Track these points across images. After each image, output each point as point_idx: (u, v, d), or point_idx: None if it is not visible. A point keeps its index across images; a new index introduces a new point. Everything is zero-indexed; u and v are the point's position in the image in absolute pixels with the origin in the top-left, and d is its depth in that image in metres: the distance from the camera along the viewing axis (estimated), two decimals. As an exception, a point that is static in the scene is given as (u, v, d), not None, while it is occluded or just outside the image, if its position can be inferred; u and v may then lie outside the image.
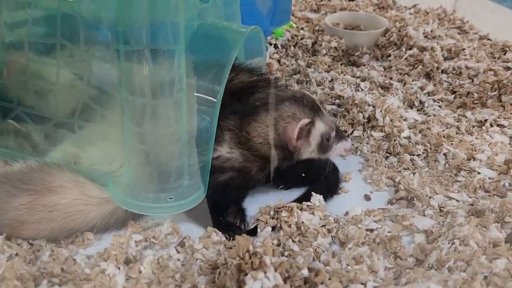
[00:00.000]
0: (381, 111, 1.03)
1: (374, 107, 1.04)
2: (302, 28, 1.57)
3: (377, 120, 1.02)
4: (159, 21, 0.69)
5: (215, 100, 0.75)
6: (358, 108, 1.05)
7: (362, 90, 1.21)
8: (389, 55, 1.43)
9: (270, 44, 1.45)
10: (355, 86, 1.21)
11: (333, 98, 1.13)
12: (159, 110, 0.72)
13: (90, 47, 0.76)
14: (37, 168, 0.74)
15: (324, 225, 0.80)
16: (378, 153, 0.99)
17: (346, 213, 0.84)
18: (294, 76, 1.28)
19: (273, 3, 1.33)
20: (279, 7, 1.33)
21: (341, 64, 1.40)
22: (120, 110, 0.75)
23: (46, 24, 0.79)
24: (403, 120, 1.07)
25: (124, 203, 0.74)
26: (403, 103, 1.16)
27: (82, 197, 0.73)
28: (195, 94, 0.77)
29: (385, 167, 0.95)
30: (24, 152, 0.80)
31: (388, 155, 0.98)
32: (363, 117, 1.04)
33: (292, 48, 1.46)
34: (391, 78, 1.30)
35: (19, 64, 0.81)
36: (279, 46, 1.46)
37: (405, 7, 1.90)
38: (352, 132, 1.04)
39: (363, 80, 1.27)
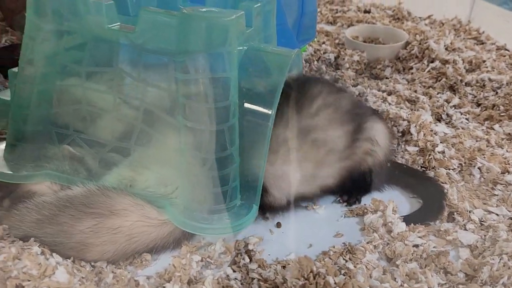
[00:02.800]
0: (415, 126, 1.06)
1: (408, 122, 1.07)
2: (323, 42, 1.61)
3: (412, 134, 1.05)
4: (216, 51, 0.72)
5: (268, 123, 0.78)
6: (393, 122, 1.08)
7: (389, 104, 1.24)
8: (411, 68, 1.47)
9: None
10: (382, 100, 1.25)
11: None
12: (215, 135, 0.75)
13: (145, 73, 0.78)
14: (98, 192, 0.76)
15: (370, 242, 0.83)
16: (413, 167, 1.02)
17: (389, 228, 0.86)
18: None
19: (298, 19, 1.37)
20: (304, 23, 1.37)
21: (364, 78, 1.44)
22: (173, 134, 0.79)
23: (97, 51, 0.82)
24: (434, 133, 1.10)
25: (182, 224, 0.77)
26: (432, 117, 1.19)
27: (143, 219, 0.75)
28: (248, 117, 0.80)
29: (422, 181, 0.98)
30: (79, 176, 0.83)
31: (424, 169, 1.01)
32: (398, 131, 1.07)
33: (315, 62, 1.49)
34: (415, 91, 1.33)
35: (69, 91, 0.83)
36: (303, 60, 1.49)
37: (420, 17, 1.94)
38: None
39: (389, 94, 1.30)
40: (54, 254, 0.72)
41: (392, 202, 0.89)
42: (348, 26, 1.90)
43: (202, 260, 0.78)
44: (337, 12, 2.02)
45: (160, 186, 0.81)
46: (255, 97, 0.81)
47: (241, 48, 0.83)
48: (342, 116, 0.90)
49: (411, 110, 1.20)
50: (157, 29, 0.74)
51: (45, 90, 0.83)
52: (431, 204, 0.91)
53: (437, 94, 1.30)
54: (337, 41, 1.66)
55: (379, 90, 1.31)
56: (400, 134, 1.07)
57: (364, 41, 1.65)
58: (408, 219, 0.87)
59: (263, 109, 0.79)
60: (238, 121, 0.78)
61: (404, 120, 1.08)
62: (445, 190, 0.92)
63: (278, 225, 0.87)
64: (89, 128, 0.83)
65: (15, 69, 0.93)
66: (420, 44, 1.50)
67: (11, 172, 0.83)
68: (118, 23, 0.77)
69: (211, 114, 0.74)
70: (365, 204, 0.93)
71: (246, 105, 0.80)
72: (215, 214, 0.79)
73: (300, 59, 0.99)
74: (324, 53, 1.52)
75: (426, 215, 0.88)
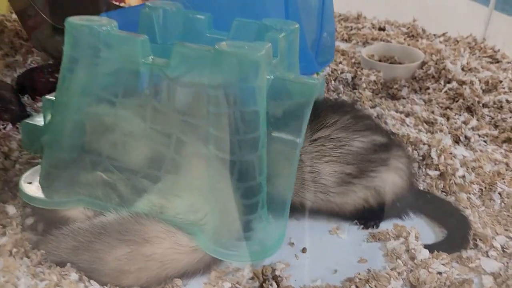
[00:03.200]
0: (436, 150, 1.08)
1: (429, 146, 1.09)
2: (340, 62, 1.63)
3: (432, 158, 1.07)
4: (247, 85, 0.75)
5: (296, 151, 0.80)
6: (413, 146, 1.10)
7: (407, 125, 1.26)
8: (428, 88, 1.48)
9: (312, 79, 1.50)
10: (400, 123, 1.27)
11: (387, 135, 1.18)
12: (245, 166, 0.78)
13: (177, 105, 0.81)
14: (131, 220, 0.79)
15: (394, 268, 0.84)
16: (434, 192, 1.03)
17: (412, 255, 0.88)
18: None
19: (317, 40, 1.39)
20: (323, 44, 1.39)
21: (381, 98, 1.46)
22: (203, 163, 0.81)
23: (130, 82, 0.85)
24: (453, 156, 1.12)
25: (212, 251, 0.79)
26: (450, 139, 1.21)
27: (175, 247, 0.78)
28: (275, 145, 0.83)
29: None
30: (112, 202, 0.86)
31: (445, 193, 1.03)
32: (418, 155, 1.09)
33: (333, 82, 1.52)
34: (432, 112, 1.35)
35: (102, 120, 0.86)
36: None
37: (434, 35, 1.96)
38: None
39: (407, 115, 1.32)
40: (91, 281, 0.75)
41: (414, 229, 0.91)
42: (363, 44, 1.92)
43: (231, 287, 0.81)
44: (351, 29, 2.05)
45: (190, 213, 0.83)
46: (282, 126, 0.83)
47: (268, 77, 0.86)
48: (344, 155, 0.91)
49: (430, 132, 1.22)
50: (191, 63, 0.77)
51: (79, 119, 0.86)
52: (455, 236, 0.92)
53: (455, 115, 1.32)
54: (353, 60, 1.69)
55: (397, 112, 1.33)
56: (421, 158, 1.09)
57: (380, 60, 1.67)
58: (430, 249, 0.88)
59: (291, 138, 0.82)
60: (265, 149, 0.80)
61: (424, 144, 1.10)
62: (469, 221, 0.93)
63: (304, 250, 0.89)
64: (121, 156, 0.86)
65: (49, 97, 0.97)
66: (436, 64, 1.52)
67: (46, 198, 0.86)
68: (152, 56, 0.80)
69: (241, 145, 0.77)
70: (387, 229, 0.94)
71: (274, 133, 0.83)
72: (243, 241, 0.81)
73: (323, 86, 1.02)
74: (341, 73, 1.54)
75: (449, 247, 0.89)
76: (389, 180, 0.93)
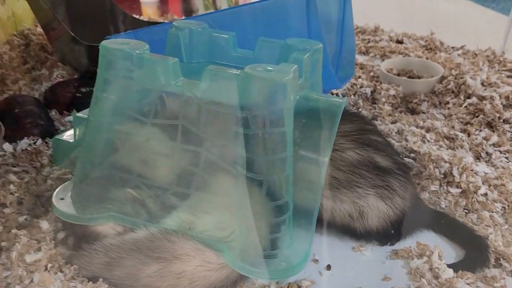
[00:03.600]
0: (458, 168, 1.09)
1: (450, 164, 1.10)
2: (359, 77, 1.65)
3: (454, 176, 1.08)
4: (275, 108, 0.77)
5: (323, 170, 0.82)
6: (435, 164, 1.11)
7: (428, 141, 1.27)
8: (447, 103, 1.49)
9: (332, 94, 1.52)
10: (421, 138, 1.28)
11: (407, 151, 1.19)
12: (272, 185, 0.80)
13: (206, 126, 0.84)
14: (161, 237, 0.82)
15: (419, 287, 0.85)
16: (456, 210, 1.04)
17: (436, 274, 0.89)
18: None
19: (336, 56, 1.41)
20: (343, 60, 1.41)
21: (400, 112, 1.47)
22: (231, 181, 0.83)
23: (161, 103, 0.88)
24: (475, 173, 1.12)
25: (239, 268, 0.81)
26: (471, 155, 1.21)
27: (204, 264, 0.80)
28: (302, 164, 0.84)
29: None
30: (141, 218, 0.88)
31: (467, 211, 1.04)
32: (439, 173, 1.10)
33: (352, 96, 1.53)
34: (453, 127, 1.35)
35: (132, 139, 0.89)
36: (340, 95, 1.53)
37: (452, 47, 1.96)
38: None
39: (428, 130, 1.33)
40: (124, 297, 0.78)
41: (438, 248, 0.92)
42: (381, 56, 1.93)
43: (258, 303, 0.83)
44: (369, 42, 2.06)
45: (217, 230, 0.85)
46: (308, 145, 0.85)
47: (294, 97, 0.88)
48: (334, 159, 0.93)
49: (451, 148, 1.23)
50: (220, 86, 0.79)
51: (111, 137, 0.89)
52: (474, 255, 0.92)
53: (475, 131, 1.32)
54: (371, 73, 1.70)
55: (417, 127, 1.34)
56: (442, 176, 1.10)
57: (399, 74, 1.68)
58: (453, 268, 0.88)
59: (317, 156, 0.84)
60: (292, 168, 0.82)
61: (446, 162, 1.11)
62: (488, 242, 0.94)
63: (328, 267, 0.91)
64: (151, 173, 0.89)
65: (80, 114, 1.01)
66: (456, 78, 1.53)
67: (78, 214, 0.89)
68: (182, 78, 0.83)
69: (269, 165, 0.79)
70: (410, 247, 0.95)
71: (300, 152, 0.85)
72: (270, 258, 0.83)
73: (347, 104, 1.04)
74: (360, 87, 1.56)
75: (470, 266, 0.90)
76: (375, 205, 0.94)
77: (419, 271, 0.88)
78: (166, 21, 2.25)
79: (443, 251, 0.93)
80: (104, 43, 0.83)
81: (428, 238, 0.99)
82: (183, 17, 2.35)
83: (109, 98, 0.85)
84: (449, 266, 0.89)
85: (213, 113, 0.82)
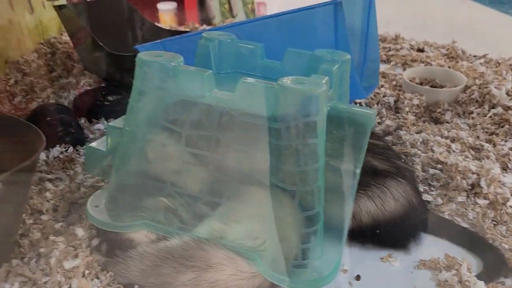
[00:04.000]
0: (485, 180, 1.08)
1: (478, 175, 1.10)
2: (382, 85, 1.65)
3: (481, 187, 1.08)
4: (308, 120, 0.78)
5: (354, 182, 0.83)
6: (462, 175, 1.11)
7: (453, 151, 1.27)
8: (471, 112, 1.48)
9: (355, 103, 1.53)
10: (446, 148, 1.27)
11: (434, 162, 1.19)
12: (305, 196, 0.81)
13: (239, 136, 0.85)
14: (194, 245, 0.83)
15: (448, 298, 0.85)
16: (484, 221, 1.04)
17: (466, 287, 0.89)
18: (385, 137, 1.35)
19: (361, 65, 1.42)
20: (367, 69, 1.42)
21: (424, 121, 1.47)
22: (263, 192, 0.85)
23: (194, 114, 0.89)
24: (502, 185, 1.12)
25: (271, 277, 0.82)
26: (498, 166, 1.21)
27: (237, 273, 0.81)
28: (332, 175, 0.85)
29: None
30: (173, 227, 0.90)
31: (495, 223, 1.03)
32: (467, 184, 1.10)
33: (375, 106, 1.54)
34: (478, 137, 1.35)
35: (165, 149, 0.91)
36: (363, 104, 1.54)
37: (474, 56, 1.95)
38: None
39: (453, 140, 1.33)
40: (159, 304, 0.79)
41: (466, 260, 0.92)
42: (402, 65, 1.94)
43: (289, 312, 0.83)
44: (389, 50, 2.06)
45: (248, 239, 0.86)
46: (340, 155, 0.86)
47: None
48: None
49: (477, 159, 1.22)
50: (254, 97, 0.81)
51: (145, 147, 0.91)
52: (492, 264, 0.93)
53: (501, 141, 1.32)
54: (394, 82, 1.70)
55: (442, 137, 1.34)
56: (470, 187, 1.10)
57: (421, 83, 1.68)
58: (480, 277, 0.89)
59: (348, 167, 0.85)
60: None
61: (473, 173, 1.11)
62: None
63: (358, 278, 0.91)
64: (183, 183, 0.90)
65: (114, 123, 1.03)
66: (480, 88, 1.52)
67: (112, 222, 0.91)
68: (215, 90, 0.85)
69: (302, 176, 0.80)
70: (438, 258, 0.95)
71: (331, 163, 0.86)
72: (301, 268, 0.84)
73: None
74: (383, 96, 1.56)
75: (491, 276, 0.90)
76: (365, 206, 0.95)
77: (448, 283, 0.89)
78: (187, 29, 2.29)
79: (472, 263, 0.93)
80: (140, 55, 0.85)
81: (441, 247, 0.99)
82: (204, 26, 2.38)
83: (144, 109, 0.88)
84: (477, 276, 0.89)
85: (246, 124, 0.83)
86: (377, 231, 0.97)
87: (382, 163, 1.00)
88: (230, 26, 1.20)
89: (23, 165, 0.78)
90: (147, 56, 0.85)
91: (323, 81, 0.82)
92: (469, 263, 0.92)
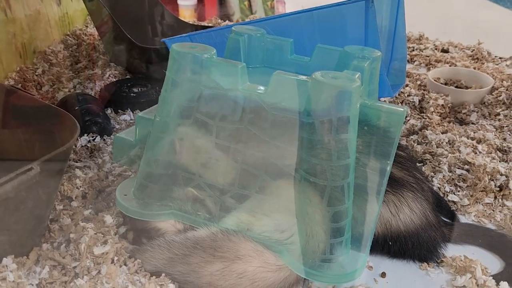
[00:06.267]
0: (514, 181, 1.07)
1: (507, 177, 1.09)
2: (407, 85, 1.64)
3: (510, 189, 1.06)
4: (342, 115, 0.78)
5: (384, 179, 0.83)
6: (490, 176, 1.10)
7: (480, 152, 1.25)
8: (498, 114, 1.47)
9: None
10: (472, 149, 1.26)
11: (461, 163, 1.18)
12: (335, 191, 0.81)
13: (271, 130, 0.85)
14: (223, 237, 0.84)
15: (476, 298, 0.85)
16: (512, 223, 1.03)
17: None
18: (410, 136, 1.34)
19: (387, 63, 1.41)
20: (394, 68, 1.41)
21: (449, 122, 1.45)
22: (293, 186, 0.85)
23: (227, 107, 0.90)
24: (530, 187, 1.10)
25: (298, 270, 0.83)
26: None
27: (264, 265, 0.82)
28: (363, 172, 0.85)
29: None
30: (200, 217, 0.91)
31: (524, 225, 1.02)
32: (495, 186, 1.08)
33: (400, 104, 1.52)
34: (504, 139, 1.33)
35: (195, 141, 0.92)
36: (388, 102, 1.53)
37: (500, 58, 1.93)
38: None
39: (479, 142, 1.31)
40: (187, 292, 0.80)
41: (479, 262, 0.91)
42: (426, 65, 1.92)
43: (314, 306, 0.84)
44: (413, 50, 2.04)
45: (276, 232, 0.87)
46: (371, 152, 0.86)
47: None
48: None
49: (504, 161, 1.21)
50: (288, 91, 0.81)
51: (175, 137, 0.92)
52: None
53: (528, 144, 1.30)
54: (419, 82, 1.69)
55: (467, 138, 1.32)
56: (498, 189, 1.08)
57: (446, 83, 1.67)
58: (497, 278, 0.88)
59: (379, 164, 0.84)
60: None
61: (502, 175, 1.09)
62: None
63: (383, 275, 0.91)
64: (213, 175, 0.91)
65: (143, 114, 1.04)
66: (507, 90, 1.50)
67: (141, 210, 0.92)
68: (248, 83, 0.85)
69: (333, 171, 0.80)
70: (460, 256, 0.94)
71: (362, 160, 0.86)
72: (328, 263, 0.84)
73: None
74: (408, 95, 1.55)
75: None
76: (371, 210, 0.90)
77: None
78: (210, 24, 2.29)
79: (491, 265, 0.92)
80: (174, 46, 0.86)
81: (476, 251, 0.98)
82: (227, 22, 2.39)
83: (176, 100, 0.88)
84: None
85: (278, 117, 0.83)
86: (389, 243, 0.95)
87: (401, 172, 0.99)
88: (260, 20, 1.20)
89: (59, 150, 0.79)
90: (181, 48, 0.86)
91: (356, 77, 0.82)
92: (483, 265, 0.91)
